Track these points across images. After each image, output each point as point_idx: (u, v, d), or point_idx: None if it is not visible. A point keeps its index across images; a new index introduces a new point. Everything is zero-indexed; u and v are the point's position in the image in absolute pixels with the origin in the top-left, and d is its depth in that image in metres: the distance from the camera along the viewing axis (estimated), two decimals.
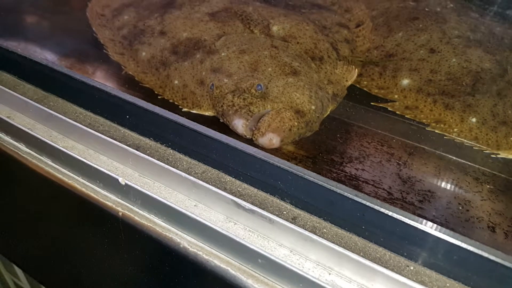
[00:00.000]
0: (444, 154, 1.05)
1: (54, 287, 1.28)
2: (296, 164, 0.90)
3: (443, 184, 0.97)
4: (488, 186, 0.98)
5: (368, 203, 0.77)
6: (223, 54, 1.08)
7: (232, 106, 0.98)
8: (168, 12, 1.25)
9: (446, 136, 1.07)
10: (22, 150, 0.99)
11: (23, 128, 0.97)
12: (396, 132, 1.10)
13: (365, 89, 1.19)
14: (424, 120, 1.11)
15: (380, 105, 1.15)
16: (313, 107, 0.99)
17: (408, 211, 0.77)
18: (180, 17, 1.22)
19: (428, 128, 1.10)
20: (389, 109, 1.14)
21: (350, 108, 1.16)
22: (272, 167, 0.84)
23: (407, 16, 1.32)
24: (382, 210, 0.76)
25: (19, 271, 1.63)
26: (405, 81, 1.16)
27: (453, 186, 0.97)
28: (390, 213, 0.76)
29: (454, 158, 1.04)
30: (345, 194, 0.78)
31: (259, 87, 0.98)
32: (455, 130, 1.07)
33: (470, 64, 1.15)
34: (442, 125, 1.09)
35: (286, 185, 0.84)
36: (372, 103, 1.16)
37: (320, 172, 0.95)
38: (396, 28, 1.29)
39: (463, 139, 1.06)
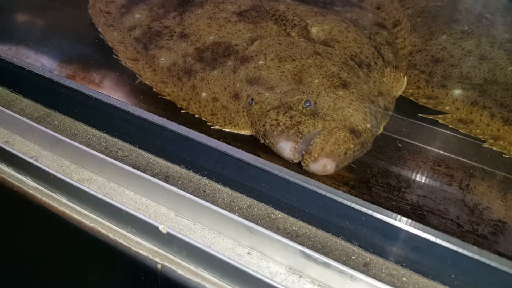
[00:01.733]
0: (506, 175, 0.94)
1: None
2: (349, 191, 0.82)
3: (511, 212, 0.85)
4: None
5: (461, 250, 0.65)
6: (260, 62, 0.94)
7: (277, 125, 0.84)
8: (188, 11, 1.09)
9: (505, 154, 0.95)
10: (28, 185, 0.82)
11: (27, 159, 0.81)
12: (451, 149, 0.99)
13: (411, 98, 1.07)
14: (480, 136, 1.00)
15: (430, 117, 1.03)
16: (368, 125, 0.86)
17: (482, 247, 0.69)
18: (203, 17, 1.07)
19: (485, 145, 0.97)
20: (440, 122, 1.02)
21: (397, 121, 1.03)
22: (339, 204, 0.71)
23: (448, 17, 1.20)
24: (478, 257, 0.64)
25: None
26: (457, 91, 1.04)
27: None
28: (487, 261, 0.64)
29: None
30: (434, 239, 0.67)
31: (308, 103, 0.85)
32: None
33: None
34: (501, 142, 0.97)
35: (355, 225, 0.72)
36: (420, 115, 1.03)
37: (379, 201, 0.85)
38: (439, 30, 1.16)
39: None
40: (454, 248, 0.65)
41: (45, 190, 0.82)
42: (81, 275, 0.90)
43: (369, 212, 0.69)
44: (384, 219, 0.69)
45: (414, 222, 0.69)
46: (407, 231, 0.68)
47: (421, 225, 0.68)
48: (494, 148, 0.97)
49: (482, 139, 1.00)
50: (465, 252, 0.65)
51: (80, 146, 0.80)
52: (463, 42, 1.13)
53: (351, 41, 1.03)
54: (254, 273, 0.67)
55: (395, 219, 0.69)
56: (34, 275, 1.02)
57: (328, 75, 0.91)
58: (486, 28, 1.16)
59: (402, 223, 0.68)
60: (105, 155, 0.82)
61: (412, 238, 0.68)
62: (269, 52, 0.96)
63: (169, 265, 0.72)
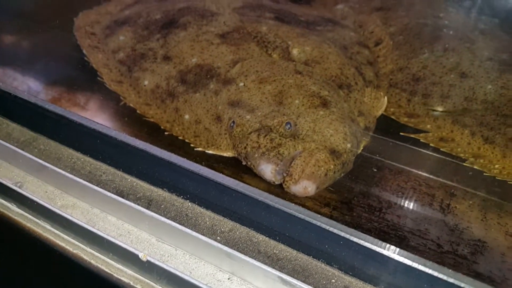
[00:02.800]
0: (486, 194, 0.95)
1: None
2: (330, 212, 0.84)
3: (491, 232, 0.87)
4: None
5: (437, 274, 0.66)
6: (241, 84, 0.95)
7: (258, 148, 0.85)
8: (172, 33, 1.10)
9: (486, 173, 0.96)
10: (13, 211, 0.83)
11: (11, 186, 0.81)
12: (433, 168, 0.99)
13: (392, 116, 1.07)
14: (461, 155, 1.01)
15: (412, 135, 1.04)
16: (349, 145, 0.87)
17: (462, 267, 0.73)
18: (186, 39, 1.07)
19: (466, 163, 0.98)
20: (421, 140, 1.03)
21: (379, 140, 1.04)
22: (319, 229, 0.72)
23: (431, 34, 1.21)
24: (454, 281, 0.66)
25: None
26: (438, 110, 1.05)
27: (503, 233, 0.87)
28: (462, 285, 0.66)
29: (497, 199, 0.94)
30: (411, 264, 0.68)
31: (288, 125, 0.86)
32: (497, 166, 0.97)
33: (508, 91, 1.05)
34: (481, 161, 0.98)
35: (334, 248, 0.73)
36: (402, 134, 1.04)
37: (360, 222, 0.85)
38: (420, 48, 1.17)
39: (505, 177, 0.95)
40: (430, 271, 0.66)
41: (29, 216, 0.82)
42: None
43: (347, 236, 0.70)
44: (361, 243, 0.70)
45: (392, 246, 0.69)
46: (385, 255, 0.69)
47: (399, 249, 0.69)
48: (475, 167, 0.98)
49: (463, 158, 1.00)
50: (441, 276, 0.66)
51: (63, 172, 0.80)
52: (444, 60, 1.14)
53: (331, 62, 1.04)
54: None
55: (373, 243, 0.69)
56: None
57: (308, 94, 0.92)
58: (467, 46, 1.17)
59: (380, 247, 0.69)
60: (88, 179, 0.83)
61: (390, 262, 0.69)
62: (250, 74, 0.97)
63: None
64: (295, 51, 1.06)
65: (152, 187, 0.84)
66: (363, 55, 1.13)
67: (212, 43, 1.06)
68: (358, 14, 1.35)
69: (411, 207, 0.90)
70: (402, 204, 0.91)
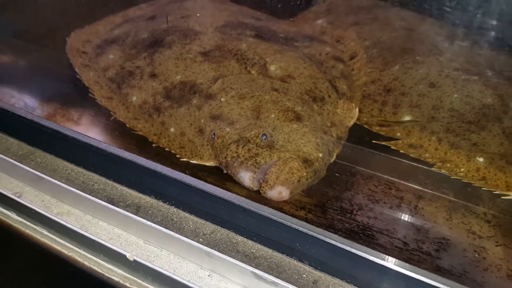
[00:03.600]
0: (452, 196, 1.02)
1: None
2: (306, 215, 0.89)
3: (456, 230, 0.94)
4: (500, 229, 0.94)
5: (398, 269, 0.74)
6: (222, 99, 1.02)
7: (237, 157, 0.92)
8: (158, 52, 1.18)
9: (452, 176, 1.03)
10: (13, 218, 0.90)
11: (11, 196, 0.89)
12: (402, 173, 1.06)
13: (365, 126, 1.15)
14: (429, 160, 1.07)
15: (383, 143, 1.10)
16: (320, 155, 0.94)
17: (426, 263, 0.77)
18: (171, 58, 1.15)
19: (434, 168, 1.05)
20: (392, 147, 1.09)
21: (352, 149, 1.11)
22: (289, 229, 0.79)
23: (402, 47, 1.28)
24: (413, 275, 0.73)
25: None
26: (407, 118, 1.12)
27: (466, 232, 0.94)
28: (422, 278, 0.73)
29: (463, 200, 1.01)
30: (372, 259, 0.75)
31: (264, 136, 0.93)
32: (462, 170, 1.04)
33: (472, 99, 1.12)
34: (448, 165, 1.05)
35: (304, 246, 0.80)
36: (374, 141, 1.11)
37: (332, 223, 0.91)
38: (392, 61, 1.25)
39: (470, 180, 1.02)
40: (390, 266, 0.74)
41: (28, 223, 0.89)
42: None
43: (315, 234, 0.77)
44: (328, 241, 0.76)
45: (355, 243, 0.76)
46: (349, 251, 0.76)
47: (362, 246, 0.76)
48: (442, 171, 1.05)
49: (431, 163, 1.07)
50: (401, 270, 0.73)
51: (58, 183, 0.88)
52: (414, 72, 1.21)
53: (306, 77, 1.11)
54: None
55: (337, 241, 0.76)
56: None
57: (283, 109, 1.00)
58: (435, 57, 1.25)
59: (344, 244, 0.76)
60: (81, 189, 0.90)
61: (353, 257, 0.76)
62: (230, 90, 1.04)
63: None
64: (272, 67, 1.13)
65: (140, 195, 0.90)
66: (338, 69, 1.21)
67: (195, 61, 1.14)
68: (336, 29, 1.43)
69: (380, 209, 0.96)
70: (372, 206, 0.97)
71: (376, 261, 0.75)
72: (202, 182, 0.85)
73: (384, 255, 0.75)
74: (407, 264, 0.74)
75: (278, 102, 1.01)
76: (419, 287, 0.73)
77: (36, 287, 1.00)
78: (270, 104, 1.00)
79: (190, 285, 0.75)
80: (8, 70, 1.38)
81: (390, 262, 0.74)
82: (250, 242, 0.83)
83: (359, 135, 1.13)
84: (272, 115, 0.98)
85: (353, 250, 0.75)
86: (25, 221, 0.90)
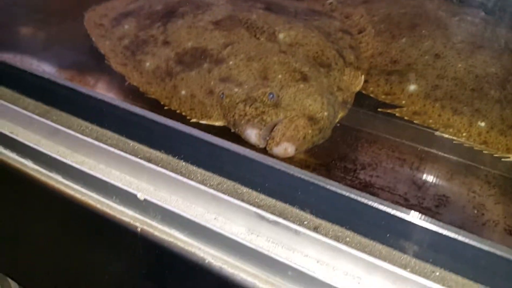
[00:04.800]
0: (454, 158, 1.05)
1: None
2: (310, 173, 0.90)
3: (456, 188, 0.97)
4: (499, 189, 0.97)
5: (393, 212, 0.75)
6: (231, 62, 1.06)
7: (244, 115, 0.96)
8: (171, 21, 1.22)
9: (455, 140, 1.06)
10: (29, 167, 0.95)
11: (29, 144, 0.93)
12: (406, 137, 1.10)
13: (371, 95, 1.18)
14: (433, 125, 1.10)
15: (388, 111, 1.14)
16: (326, 114, 0.97)
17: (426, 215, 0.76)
18: (183, 26, 1.19)
19: (437, 133, 1.08)
20: (397, 114, 1.12)
21: (358, 114, 1.14)
22: (292, 177, 0.81)
23: (409, 23, 1.32)
24: (408, 218, 0.74)
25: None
26: (412, 87, 1.16)
27: (466, 190, 0.97)
28: (417, 222, 0.74)
29: (465, 161, 1.04)
30: (369, 203, 0.76)
31: (271, 95, 0.97)
32: (464, 134, 1.07)
33: (476, 69, 1.15)
34: (451, 130, 1.08)
35: (306, 195, 0.82)
36: (379, 109, 1.14)
37: (335, 180, 0.93)
38: (399, 35, 1.28)
39: (472, 143, 1.05)
40: (387, 210, 0.75)
41: (43, 171, 0.94)
42: (73, 242, 1.02)
43: (316, 181, 0.79)
44: (328, 188, 0.79)
45: (354, 189, 0.79)
46: (349, 197, 0.77)
47: (361, 192, 0.77)
48: (445, 135, 1.08)
49: (434, 128, 1.10)
50: (397, 214, 0.75)
51: (74, 133, 0.92)
52: (420, 44, 1.24)
53: (314, 44, 1.15)
54: (218, 230, 0.79)
55: (337, 187, 0.79)
56: (32, 246, 1.15)
57: (290, 70, 1.03)
58: (441, 31, 1.28)
59: (344, 191, 0.78)
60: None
61: (352, 203, 0.78)
62: (239, 54, 1.08)
63: (148, 229, 0.83)
64: (281, 35, 1.17)
65: (151, 150, 0.93)
66: (346, 41, 1.24)
67: (206, 29, 1.18)
68: (345, 7, 1.46)
69: (383, 169, 1.00)
70: (375, 166, 1.00)
71: (374, 206, 0.76)
72: (209, 135, 0.87)
73: (382, 200, 0.76)
74: (406, 209, 0.75)
75: (285, 64, 1.04)
76: (418, 233, 0.75)
77: (51, 231, 1.05)
78: (277, 65, 1.04)
79: (198, 221, 0.78)
80: (28, 41, 1.44)
81: (389, 207, 0.75)
82: (254, 193, 0.85)
83: (366, 105, 1.17)
84: (279, 76, 1.02)
85: (352, 196, 0.77)
86: (40, 169, 0.94)
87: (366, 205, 0.77)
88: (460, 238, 0.72)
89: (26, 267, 1.22)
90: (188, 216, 0.79)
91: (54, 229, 1.05)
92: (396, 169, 1.00)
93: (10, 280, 1.52)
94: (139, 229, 0.84)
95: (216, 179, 0.88)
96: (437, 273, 0.74)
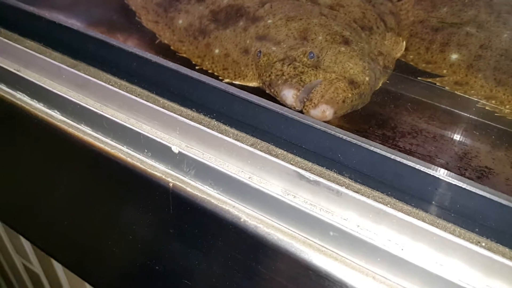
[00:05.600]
0: (496, 131, 1.01)
1: (87, 271, 1.20)
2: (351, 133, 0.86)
3: (500, 161, 0.93)
4: None
5: (442, 177, 0.71)
6: (269, 21, 1.02)
7: (282, 75, 0.92)
8: None
9: (497, 113, 1.01)
10: (56, 118, 0.92)
11: (58, 92, 0.90)
12: (446, 107, 1.06)
13: (411, 63, 1.14)
14: (474, 96, 1.06)
15: (428, 80, 1.10)
16: (367, 78, 0.93)
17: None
18: None
19: (479, 105, 1.04)
20: (437, 84, 1.08)
21: (397, 82, 1.10)
22: (332, 138, 0.78)
23: None
24: (459, 183, 0.70)
25: (30, 254, 1.55)
26: (454, 56, 1.11)
27: (509, 163, 0.92)
28: (467, 187, 0.70)
29: (508, 135, 1.00)
30: (417, 166, 0.72)
31: (311, 55, 0.93)
32: (508, 107, 1.02)
33: None
34: (493, 102, 1.03)
35: (345, 157, 0.78)
36: (419, 78, 1.09)
37: None
38: (440, 3, 1.23)
39: None
40: (434, 174, 0.71)
41: (71, 122, 0.91)
42: (102, 198, 0.99)
43: (358, 143, 0.75)
44: (371, 149, 0.74)
45: (398, 152, 0.74)
46: (392, 160, 0.73)
47: (405, 155, 0.73)
48: (487, 107, 1.03)
49: (476, 99, 1.06)
50: (446, 179, 0.70)
51: (104, 84, 0.88)
52: (463, 13, 1.19)
53: (355, 6, 1.10)
54: (255, 185, 0.74)
55: (382, 149, 0.74)
56: (54, 204, 1.12)
57: (331, 33, 0.98)
58: (485, 0, 1.22)
59: (389, 153, 0.74)
60: None
61: (397, 167, 0.74)
62: (277, 13, 1.04)
63: (180, 184, 0.80)
64: None
65: (181, 108, 0.90)
66: (387, 6, 1.19)
67: None
68: None
69: (423, 138, 0.95)
70: (414, 134, 0.96)
71: (421, 169, 0.72)
72: (243, 91, 0.84)
73: (430, 164, 0.72)
74: (453, 173, 0.71)
75: (326, 26, 1.00)
76: (467, 199, 0.70)
77: (79, 186, 1.02)
78: (318, 27, 0.99)
79: (234, 176, 0.75)
80: None
81: (436, 171, 0.71)
82: (290, 155, 0.81)
83: (406, 72, 1.13)
84: (320, 37, 0.97)
85: (397, 158, 0.73)
86: (68, 120, 0.92)
87: (415, 169, 0.72)
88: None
89: (44, 225, 1.20)
90: (224, 170, 0.76)
91: (81, 185, 1.02)
92: (436, 138, 0.96)
93: (22, 239, 1.49)
94: (171, 185, 0.80)
95: (250, 139, 0.85)
96: (483, 244, 0.69)
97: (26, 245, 1.58)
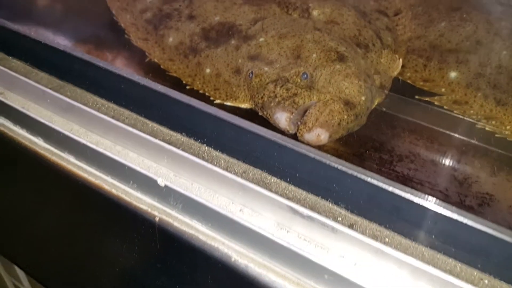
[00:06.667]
0: (497, 152, 0.98)
1: None
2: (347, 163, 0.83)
3: (500, 187, 0.89)
4: None
5: (444, 212, 0.68)
6: (261, 39, 0.98)
7: (274, 97, 0.88)
8: None
9: (497, 134, 0.98)
10: (39, 145, 0.88)
11: (41, 120, 0.87)
12: (445, 128, 1.03)
13: (408, 81, 1.10)
14: (474, 116, 1.03)
15: (426, 99, 1.06)
16: (363, 98, 0.89)
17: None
18: (210, 0, 1.11)
19: (478, 125, 1.01)
20: (436, 103, 1.05)
21: (394, 101, 1.07)
22: (327, 167, 0.74)
23: (449, 6, 1.23)
24: (460, 219, 0.67)
25: (21, 275, 1.52)
26: (453, 74, 1.07)
27: (511, 189, 0.89)
28: (467, 222, 0.66)
29: (508, 157, 0.97)
30: (416, 200, 0.69)
31: (305, 75, 0.89)
32: (508, 128, 0.99)
33: None
34: (493, 122, 1.00)
35: (342, 188, 0.75)
36: (417, 97, 1.06)
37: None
38: (438, 18, 1.20)
39: None
40: (434, 208, 0.68)
41: (55, 150, 0.87)
42: (84, 229, 0.96)
43: (355, 174, 0.72)
44: (368, 180, 0.71)
45: (398, 184, 0.71)
46: (391, 192, 0.70)
47: (405, 187, 0.70)
48: (487, 128, 1.00)
49: (476, 120, 1.02)
50: (447, 213, 0.67)
51: (90, 110, 0.85)
52: (461, 29, 1.16)
53: (350, 23, 1.06)
54: (246, 224, 0.71)
55: (380, 181, 0.71)
56: (41, 232, 1.08)
57: (326, 49, 0.94)
58: (484, 15, 1.19)
59: (387, 184, 0.71)
60: None
61: (395, 199, 0.70)
62: (270, 30, 1.00)
63: (167, 218, 0.76)
64: (315, 12, 1.09)
65: (171, 132, 0.86)
66: (382, 22, 1.16)
67: (235, 3, 1.10)
68: None
69: (421, 161, 0.92)
70: (412, 158, 0.93)
71: (419, 203, 0.69)
72: (236, 117, 0.80)
73: (428, 196, 0.69)
74: (454, 207, 0.67)
75: (321, 42, 0.96)
76: (465, 233, 0.67)
77: (62, 215, 0.98)
78: (311, 43, 0.96)
79: (223, 212, 0.71)
80: (44, 12, 1.37)
81: (435, 204, 0.68)
82: (283, 183, 0.78)
83: (403, 91, 1.09)
84: (314, 55, 0.94)
85: (396, 191, 0.69)
86: (52, 148, 0.88)
87: (410, 201, 0.69)
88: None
89: (34, 254, 1.16)
90: (213, 207, 0.72)
91: (64, 214, 0.99)
92: (435, 162, 0.93)
93: (17, 268, 1.46)
94: (157, 219, 0.77)
95: (242, 166, 0.81)
96: (486, 281, 0.66)
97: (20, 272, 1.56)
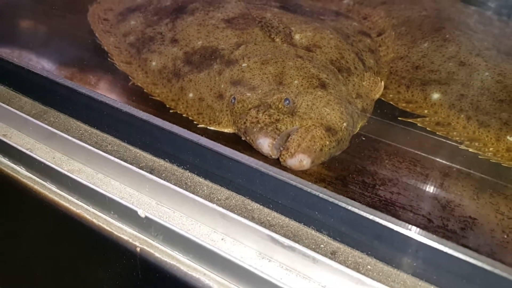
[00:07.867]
0: (480, 175, 0.97)
1: None
2: (325, 187, 0.83)
3: (483, 210, 0.89)
4: None
5: (425, 240, 0.68)
6: (243, 65, 0.99)
7: (257, 123, 0.89)
8: (180, 18, 1.15)
9: (481, 155, 0.98)
10: (21, 174, 0.88)
11: (22, 149, 0.86)
12: (428, 150, 1.02)
13: (391, 102, 1.11)
14: (457, 138, 1.03)
15: (409, 120, 1.07)
16: (344, 124, 0.90)
17: (451, 241, 0.69)
18: (193, 24, 1.12)
19: (461, 147, 1.01)
20: (418, 125, 1.05)
21: (376, 123, 1.07)
22: (309, 195, 0.75)
23: (432, 26, 1.24)
24: (441, 248, 0.67)
25: None
26: (436, 95, 1.08)
27: (494, 212, 0.89)
28: (450, 251, 0.67)
29: (491, 179, 0.96)
30: (397, 229, 0.69)
31: (287, 101, 0.90)
32: (491, 149, 0.99)
33: (504, 78, 1.07)
34: (476, 144, 1.01)
35: (324, 215, 0.75)
36: (400, 118, 1.06)
37: (353, 197, 0.87)
38: (421, 38, 1.21)
39: (499, 160, 0.97)
40: (415, 237, 0.68)
41: (37, 179, 0.87)
42: (66, 258, 0.95)
43: (336, 201, 0.73)
44: (349, 209, 0.72)
45: (379, 212, 0.72)
46: (372, 221, 0.70)
47: (386, 215, 0.71)
48: (470, 150, 1.00)
49: (459, 141, 1.03)
50: (427, 242, 0.67)
51: (71, 138, 0.85)
52: (444, 49, 1.17)
53: (332, 46, 1.07)
54: (226, 256, 0.71)
55: (359, 209, 0.71)
56: (23, 261, 1.08)
57: (307, 76, 0.96)
58: (466, 36, 1.20)
59: (368, 213, 0.71)
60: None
61: (376, 227, 0.71)
62: (252, 55, 1.01)
63: (148, 249, 0.76)
64: (297, 36, 1.09)
65: (154, 158, 0.87)
66: (365, 43, 1.17)
67: (217, 27, 1.11)
68: (363, 8, 1.39)
69: (404, 185, 0.92)
70: (395, 182, 0.93)
71: (401, 232, 0.69)
72: (218, 144, 0.80)
73: (410, 225, 0.69)
74: (435, 236, 0.68)
75: (303, 69, 0.97)
76: (446, 261, 0.67)
77: (43, 244, 0.98)
78: (293, 70, 0.96)
79: (204, 244, 0.71)
80: (27, 35, 1.37)
81: (416, 233, 0.69)
82: (266, 210, 0.79)
83: (385, 112, 1.10)
84: (296, 81, 0.94)
85: (376, 219, 0.70)
86: (34, 177, 0.88)
87: (392, 230, 0.70)
88: (496, 271, 0.64)
89: (14, 285, 1.15)
90: (193, 238, 0.72)
91: (46, 243, 0.98)
92: (418, 186, 0.93)
93: None
94: (138, 249, 0.77)
95: (224, 192, 0.82)
96: None
97: None
